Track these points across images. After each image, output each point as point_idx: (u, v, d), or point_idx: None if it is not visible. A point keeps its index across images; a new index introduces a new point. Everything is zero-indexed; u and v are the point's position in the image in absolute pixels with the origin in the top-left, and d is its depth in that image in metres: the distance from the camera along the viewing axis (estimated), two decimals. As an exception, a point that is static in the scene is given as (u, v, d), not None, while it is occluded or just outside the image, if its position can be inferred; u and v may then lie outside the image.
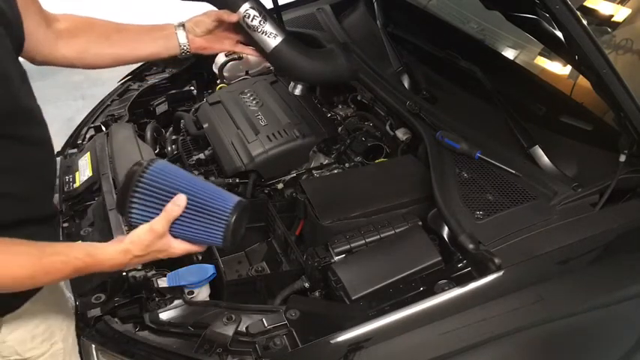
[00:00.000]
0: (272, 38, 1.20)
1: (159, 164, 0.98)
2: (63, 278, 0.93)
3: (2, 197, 0.87)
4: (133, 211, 0.95)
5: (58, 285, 1.10)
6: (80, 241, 1.00)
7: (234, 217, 0.98)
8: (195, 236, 0.99)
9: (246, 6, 1.24)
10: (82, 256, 0.92)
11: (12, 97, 0.88)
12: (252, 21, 1.21)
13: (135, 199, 0.94)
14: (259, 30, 1.21)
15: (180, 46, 1.25)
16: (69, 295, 1.25)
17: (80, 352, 1.17)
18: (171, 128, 2.04)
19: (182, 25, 1.26)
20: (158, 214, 0.95)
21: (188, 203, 0.96)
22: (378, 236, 1.39)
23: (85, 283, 1.28)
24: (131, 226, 0.98)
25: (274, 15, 1.26)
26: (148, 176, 0.95)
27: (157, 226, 0.94)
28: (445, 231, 1.37)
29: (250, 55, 1.35)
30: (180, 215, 0.96)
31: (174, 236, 0.98)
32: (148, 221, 0.96)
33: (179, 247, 0.99)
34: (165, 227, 0.95)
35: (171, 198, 0.95)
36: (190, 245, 1.00)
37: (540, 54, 1.82)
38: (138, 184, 0.94)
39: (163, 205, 0.95)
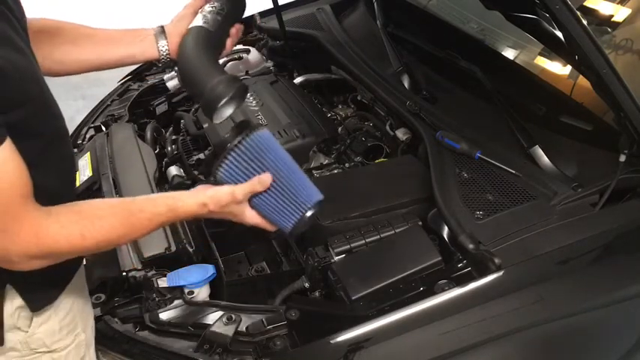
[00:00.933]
0: (199, 19, 1.13)
1: (265, 133, 1.00)
2: (148, 233, 0.98)
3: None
4: (224, 166, 0.98)
5: (81, 272, 1.11)
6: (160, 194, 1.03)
7: (310, 213, 1.02)
8: (269, 214, 1.02)
9: None
10: (165, 211, 0.96)
11: (42, 91, 0.90)
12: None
13: (231, 157, 0.97)
14: (203, 10, 1.15)
15: (160, 51, 1.16)
16: None
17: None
18: (171, 128, 2.04)
19: (161, 27, 1.18)
20: (243, 178, 0.98)
21: (276, 183, 0.98)
22: (378, 236, 1.39)
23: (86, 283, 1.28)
24: (215, 179, 1.01)
25: (230, 16, 1.18)
26: (251, 140, 0.97)
27: (238, 193, 0.97)
28: (445, 231, 1.37)
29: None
30: (265, 191, 0.99)
31: (251, 206, 1.01)
32: (230, 180, 0.99)
33: (252, 218, 1.03)
34: (245, 197, 0.99)
35: (263, 169, 0.98)
36: (262, 220, 1.03)
37: (540, 54, 1.82)
38: (241, 143, 0.97)
39: (252, 172, 0.98)
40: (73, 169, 1.09)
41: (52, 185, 0.92)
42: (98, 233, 0.88)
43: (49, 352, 1.02)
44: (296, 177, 1.01)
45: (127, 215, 0.92)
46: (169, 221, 0.99)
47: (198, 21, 1.14)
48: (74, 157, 1.11)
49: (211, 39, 1.13)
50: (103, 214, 0.90)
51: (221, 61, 2.16)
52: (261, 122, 1.77)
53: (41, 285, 0.95)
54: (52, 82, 1.05)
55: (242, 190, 0.98)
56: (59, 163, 0.97)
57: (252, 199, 1.00)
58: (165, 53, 1.17)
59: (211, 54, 1.12)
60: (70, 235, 0.86)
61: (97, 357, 1.17)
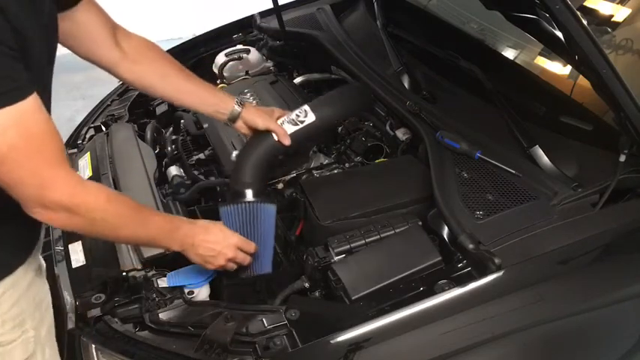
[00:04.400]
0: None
1: (271, 209, 1.29)
2: (147, 235, 1.12)
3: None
4: (228, 208, 1.26)
5: (39, 275, 1.12)
6: None
7: (252, 275, 1.33)
8: None
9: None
10: (169, 218, 1.19)
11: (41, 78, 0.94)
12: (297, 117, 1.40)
13: (238, 206, 1.25)
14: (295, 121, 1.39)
15: (228, 121, 1.36)
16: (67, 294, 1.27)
17: (79, 352, 1.18)
18: (171, 128, 2.04)
19: (241, 104, 1.35)
20: (233, 226, 1.25)
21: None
22: (378, 236, 1.39)
23: (85, 283, 1.28)
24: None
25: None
26: (258, 207, 1.26)
27: (233, 238, 1.23)
28: (445, 231, 1.37)
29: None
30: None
31: None
32: (224, 219, 1.26)
33: (232, 236, 1.23)
34: (235, 241, 1.22)
35: (251, 231, 1.26)
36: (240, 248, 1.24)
37: (540, 54, 1.82)
38: (251, 204, 1.27)
39: (242, 227, 1.25)
40: None
41: None
42: (119, 203, 1.02)
43: None
44: (267, 248, 1.30)
45: (139, 207, 1.08)
46: (171, 229, 1.14)
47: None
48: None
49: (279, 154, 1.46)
50: (126, 198, 1.07)
51: (221, 61, 2.17)
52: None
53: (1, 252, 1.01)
54: (52, 82, 1.05)
55: (234, 235, 1.22)
56: None
57: None
58: (228, 124, 1.38)
59: (265, 162, 1.36)
60: (99, 193, 0.98)
61: (97, 357, 1.17)
